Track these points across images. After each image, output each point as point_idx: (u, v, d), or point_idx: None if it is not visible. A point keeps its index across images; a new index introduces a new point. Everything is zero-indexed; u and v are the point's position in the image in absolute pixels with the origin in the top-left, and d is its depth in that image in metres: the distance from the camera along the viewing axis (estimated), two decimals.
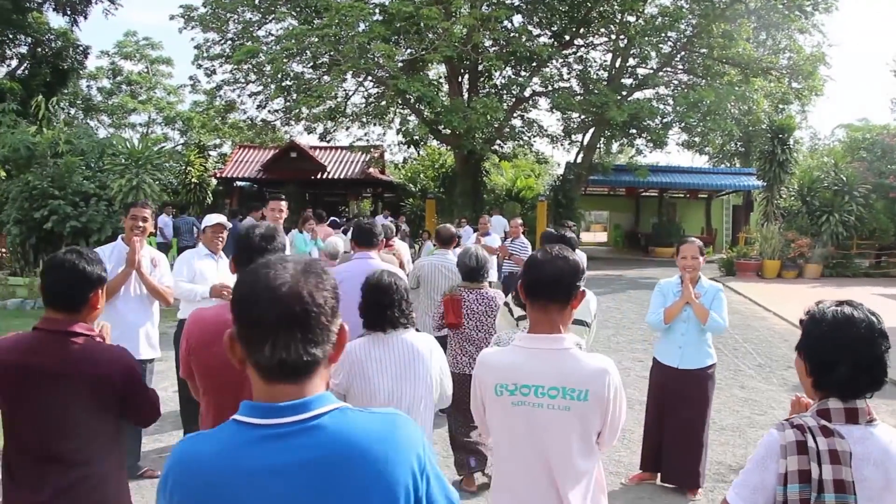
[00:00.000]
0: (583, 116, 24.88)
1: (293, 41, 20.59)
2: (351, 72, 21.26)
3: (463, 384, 4.57)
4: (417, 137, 25.99)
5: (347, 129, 28.27)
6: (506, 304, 5.11)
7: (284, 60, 20.91)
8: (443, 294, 5.91)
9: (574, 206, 26.14)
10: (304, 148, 29.99)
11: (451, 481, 2.98)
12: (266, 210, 7.16)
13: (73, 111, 35.14)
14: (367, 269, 4.64)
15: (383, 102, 23.64)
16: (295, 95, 22.61)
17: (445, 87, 25.92)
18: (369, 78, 23.25)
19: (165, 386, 7.47)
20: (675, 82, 26.25)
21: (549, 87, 25.22)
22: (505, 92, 25.04)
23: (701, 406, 5.61)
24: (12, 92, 21.94)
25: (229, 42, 24.87)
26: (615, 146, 29.38)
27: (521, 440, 2.65)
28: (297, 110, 22.62)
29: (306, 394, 1.51)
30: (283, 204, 7.28)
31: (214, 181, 32.39)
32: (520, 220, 12.16)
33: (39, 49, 28.40)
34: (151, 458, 6.16)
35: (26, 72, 28.14)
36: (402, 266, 8.21)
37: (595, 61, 26.95)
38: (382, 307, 3.66)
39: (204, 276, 5.97)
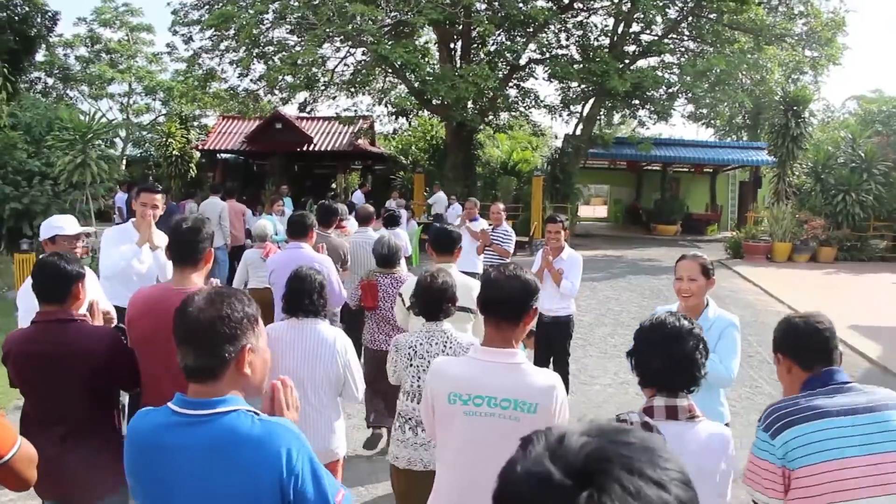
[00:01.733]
0: (582, 86, 23.29)
1: (265, 4, 19.01)
2: (328, 37, 19.65)
3: (380, 361, 4.93)
4: (406, 107, 24.44)
5: (334, 98, 26.81)
6: (399, 294, 5.39)
7: (258, 25, 19.33)
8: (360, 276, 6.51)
9: (571, 181, 24.66)
10: (290, 119, 28.46)
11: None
12: (136, 203, 5.83)
13: (50, 81, 33.64)
14: (298, 258, 5.50)
15: (364, 70, 22.02)
16: (271, 63, 21.07)
17: (436, 55, 24.34)
18: (350, 43, 21.65)
19: None
20: (682, 50, 24.59)
21: (547, 55, 23.59)
22: (499, 59, 23.33)
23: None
24: None
25: (206, 7, 23.36)
26: (617, 118, 27.60)
27: (468, 448, 2.78)
28: (273, 79, 21.00)
29: (216, 395, 2.03)
30: (159, 197, 5.83)
31: (197, 154, 31.03)
32: (501, 206, 10.58)
33: (3, 14, 26.67)
34: None
35: None
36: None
37: (596, 27, 25.11)
38: (299, 297, 4.13)
39: None
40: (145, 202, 5.74)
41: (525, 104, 25.23)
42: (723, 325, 4.00)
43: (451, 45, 23.92)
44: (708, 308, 4.07)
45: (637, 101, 23.68)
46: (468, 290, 4.69)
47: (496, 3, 21.53)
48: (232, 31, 21.06)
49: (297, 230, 6.34)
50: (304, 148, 28.51)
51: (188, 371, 2.05)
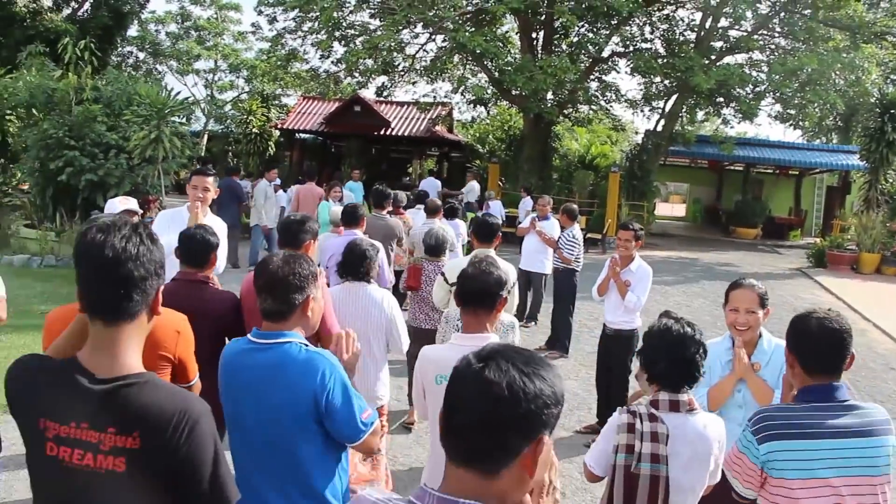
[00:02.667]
0: (665, 81, 22.60)
1: None
2: (407, 22, 19.47)
3: (419, 337, 5.95)
4: (482, 97, 24.14)
5: (413, 84, 26.77)
6: (442, 273, 5.93)
7: (339, 8, 19.29)
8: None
9: (649, 178, 24.01)
10: (369, 102, 28.49)
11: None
12: (188, 186, 5.75)
13: (141, 55, 34.45)
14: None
15: (443, 57, 21.78)
16: (352, 46, 21.04)
17: (518, 44, 23.95)
18: (429, 29, 21.43)
19: None
20: (772, 47, 23.59)
21: (630, 48, 22.95)
22: (581, 51, 22.75)
23: None
24: (66, 33, 20.90)
25: None
26: (700, 115, 26.64)
27: None
28: (351, 61, 20.94)
29: (282, 330, 2.74)
30: (210, 180, 5.73)
31: (277, 132, 31.38)
32: (548, 198, 10.34)
33: None
34: None
35: (87, 14, 27.25)
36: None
37: (682, 21, 24.37)
38: (354, 264, 4.77)
39: None
40: (196, 185, 5.71)
41: (606, 98, 24.65)
42: (782, 356, 3.43)
43: (533, 35, 23.48)
44: (762, 339, 3.74)
45: (721, 99, 22.87)
46: (506, 275, 5.29)
47: None
48: (314, 14, 21.08)
49: (350, 219, 6.85)
50: (382, 132, 28.53)
51: (265, 313, 2.77)
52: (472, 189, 20.98)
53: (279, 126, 30.59)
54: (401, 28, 20.01)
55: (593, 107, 25.06)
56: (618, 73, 24.43)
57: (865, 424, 2.66)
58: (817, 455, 2.62)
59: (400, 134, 28.67)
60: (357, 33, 21.78)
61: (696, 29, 23.54)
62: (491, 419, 1.42)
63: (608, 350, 6.94)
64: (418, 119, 28.98)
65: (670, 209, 43.43)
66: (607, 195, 22.96)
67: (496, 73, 20.65)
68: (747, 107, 21.58)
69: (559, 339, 9.65)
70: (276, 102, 33.53)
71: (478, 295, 3.30)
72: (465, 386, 1.46)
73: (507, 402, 1.40)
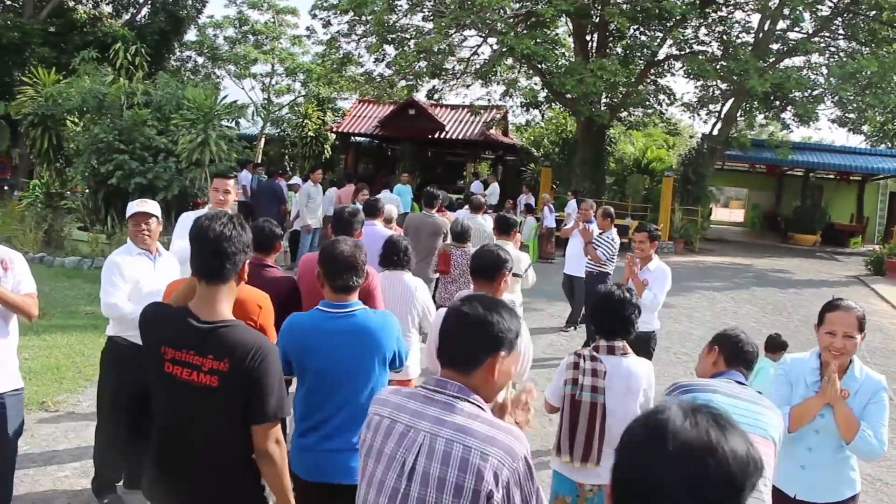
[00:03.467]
0: (721, 85, 22.22)
1: None
2: (457, 25, 19.54)
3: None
4: (531, 100, 24.08)
5: (468, 87, 26.79)
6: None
7: (389, 12, 19.46)
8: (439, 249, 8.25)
9: (704, 183, 23.66)
10: (424, 105, 28.67)
11: None
12: (210, 188, 5.98)
13: (200, 60, 35.10)
14: (371, 233, 6.67)
15: (492, 61, 21.77)
16: (401, 49, 21.20)
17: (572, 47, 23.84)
18: (479, 33, 21.45)
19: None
20: (832, 49, 23.04)
21: (685, 51, 22.62)
22: (635, 54, 22.51)
23: None
24: (123, 39, 21.53)
25: None
26: (759, 119, 26.03)
27: None
28: (400, 65, 21.11)
29: (349, 300, 3.50)
30: (231, 183, 5.91)
31: (333, 135, 31.75)
32: (591, 202, 10.27)
33: None
34: None
35: (144, 19, 28.00)
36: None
37: (739, 23, 23.92)
38: (392, 255, 5.48)
39: (138, 283, 4.78)
40: (217, 187, 5.89)
41: (660, 101, 24.35)
42: (873, 388, 3.51)
43: (587, 38, 23.33)
44: (853, 365, 3.56)
45: (778, 103, 22.35)
46: (518, 261, 7.02)
47: None
48: (366, 17, 21.31)
49: (370, 210, 7.49)
50: (436, 135, 28.67)
51: (336, 288, 3.47)
52: (493, 191, 21.34)
53: (334, 129, 30.99)
54: (451, 31, 20.06)
55: (648, 110, 24.71)
56: (672, 76, 23.80)
57: (756, 399, 3.10)
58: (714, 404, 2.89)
59: (454, 137, 28.79)
60: (408, 37, 21.89)
61: (753, 31, 23.08)
62: (465, 338, 2.23)
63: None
64: (473, 122, 29.04)
65: (728, 215, 42.67)
66: (661, 199, 22.71)
67: (547, 76, 20.54)
68: (804, 111, 21.07)
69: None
70: (332, 106, 33.91)
71: (485, 271, 4.13)
72: (450, 316, 2.28)
73: (474, 326, 2.20)
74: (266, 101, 33.92)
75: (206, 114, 13.63)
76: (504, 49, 19.17)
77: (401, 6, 21.52)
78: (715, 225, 32.96)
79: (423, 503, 2.11)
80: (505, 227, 7.53)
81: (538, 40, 18.60)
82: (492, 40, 21.78)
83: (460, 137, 28.73)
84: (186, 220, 5.80)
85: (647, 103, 23.96)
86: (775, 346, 6.41)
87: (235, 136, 15.60)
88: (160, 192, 13.28)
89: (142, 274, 4.81)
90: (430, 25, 22.05)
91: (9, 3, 27.84)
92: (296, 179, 18.34)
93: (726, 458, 1.30)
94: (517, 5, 21.06)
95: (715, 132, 24.15)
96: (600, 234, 9.57)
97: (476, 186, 22.16)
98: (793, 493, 3.61)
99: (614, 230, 9.63)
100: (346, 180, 16.51)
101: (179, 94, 14.50)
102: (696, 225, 22.94)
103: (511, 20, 20.16)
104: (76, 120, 14.88)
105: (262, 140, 33.26)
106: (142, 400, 4.31)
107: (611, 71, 18.07)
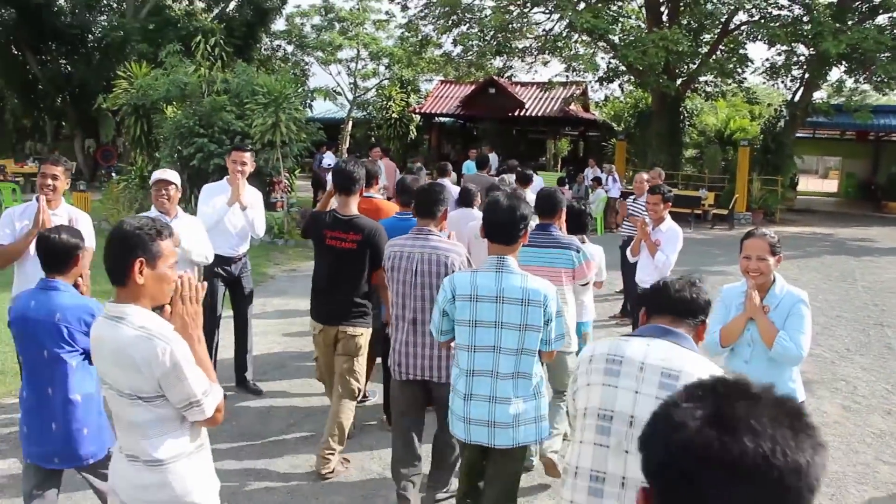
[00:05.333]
0: (801, 49, 21.52)
1: None
2: (515, 2, 19.73)
3: None
4: (608, 73, 24.01)
5: (546, 64, 26.89)
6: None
7: None
8: None
9: (784, 152, 23.09)
10: (503, 83, 29.04)
11: None
12: (227, 161, 6.50)
13: (290, 48, 36.42)
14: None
15: (559, 34, 21.81)
16: (467, 29, 21.56)
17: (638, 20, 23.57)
18: (541, 8, 21.56)
19: None
20: None
21: (759, 17, 21.93)
22: (706, 22, 22.03)
23: None
24: (211, 32, 22.74)
25: None
26: (849, 83, 24.83)
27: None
28: (465, 45, 21.47)
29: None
30: (247, 155, 6.47)
31: (416, 117, 32.48)
32: (645, 176, 10.25)
33: None
34: None
35: (233, 12, 29.31)
36: None
37: None
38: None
39: None
40: (235, 160, 6.37)
41: (735, 69, 23.65)
42: (791, 302, 3.98)
43: (660, 10, 23.04)
44: (775, 284, 4.05)
45: (855, 65, 21.44)
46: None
47: None
48: None
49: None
50: (517, 112, 28.99)
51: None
52: (493, 163, 20.79)
53: (418, 111, 31.69)
54: (511, 8, 20.25)
55: (725, 80, 24.04)
56: (750, 43, 22.80)
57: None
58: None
59: (535, 114, 29.04)
60: (473, 16, 22.17)
61: None
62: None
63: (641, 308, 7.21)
64: (553, 99, 29.22)
65: (820, 185, 41.26)
66: (736, 169, 22.40)
67: (613, 50, 20.51)
68: (885, 72, 20.20)
69: (634, 308, 9.75)
70: (415, 88, 34.63)
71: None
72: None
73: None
74: (352, 86, 34.96)
75: (276, 98, 14.49)
76: (569, 23, 19.24)
77: None
78: (805, 195, 32.07)
79: (423, 283, 4.42)
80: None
81: (597, 14, 18.55)
82: (556, 16, 21.88)
83: (540, 114, 29.00)
84: (208, 190, 6.57)
85: (725, 72, 23.11)
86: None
87: (306, 118, 16.47)
88: None
89: None
90: (491, 3, 22.30)
91: (115, 5, 29.82)
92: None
93: None
94: None
95: (797, 99, 23.47)
96: (636, 198, 9.77)
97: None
98: None
99: (646, 196, 9.76)
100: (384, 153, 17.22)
101: (253, 81, 15.41)
102: (777, 195, 22.50)
103: None
104: (161, 108, 15.98)
105: (350, 123, 34.28)
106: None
107: (672, 40, 17.85)
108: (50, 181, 5.12)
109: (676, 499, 1.13)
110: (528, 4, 21.15)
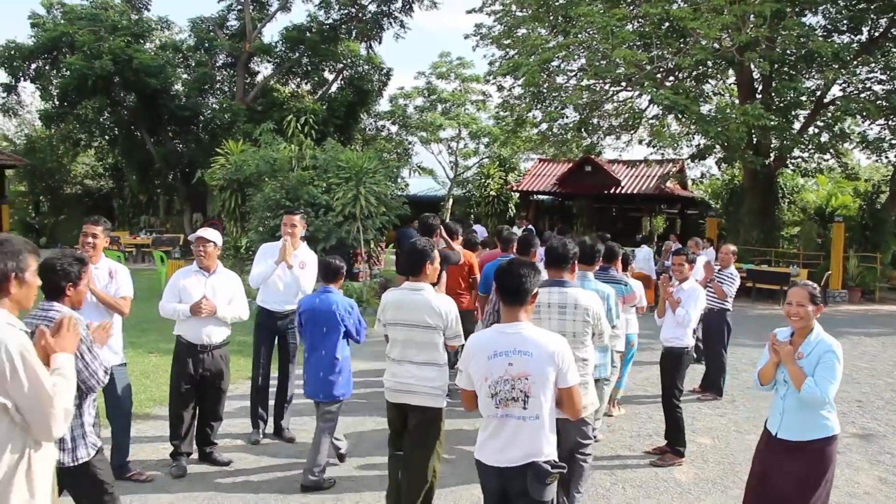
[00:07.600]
0: (891, 123, 20.91)
1: (550, 51, 20.01)
2: (593, 79, 20.09)
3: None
4: (699, 150, 23.84)
5: (641, 142, 26.99)
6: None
7: (538, 74, 20.35)
8: None
9: (884, 228, 22.19)
10: (599, 162, 29.40)
11: None
12: (281, 223, 7.23)
13: (394, 129, 37.91)
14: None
15: (631, 114, 21.98)
16: (551, 108, 22.03)
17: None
18: (621, 87, 21.82)
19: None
20: None
21: (854, 91, 21.41)
22: (802, 98, 21.60)
23: (804, 486, 4.48)
24: (314, 112, 24.15)
25: (514, 56, 24.96)
26: None
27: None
28: (549, 123, 21.93)
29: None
30: (297, 218, 7.14)
31: (516, 194, 33.06)
32: (732, 248, 10.42)
33: (346, 73, 31.17)
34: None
35: (335, 94, 31.01)
36: None
37: None
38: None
39: (189, 292, 6.26)
40: (285, 222, 7.10)
41: (834, 144, 22.94)
42: (822, 350, 4.43)
43: (756, 84, 22.81)
44: (811, 333, 4.52)
45: None
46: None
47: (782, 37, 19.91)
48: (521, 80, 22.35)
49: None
50: (612, 190, 29.16)
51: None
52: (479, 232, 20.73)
53: (515, 188, 32.28)
54: (593, 86, 20.59)
55: (822, 155, 23.36)
56: (845, 119, 22.05)
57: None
58: None
59: (630, 192, 29.11)
60: (556, 96, 22.65)
61: None
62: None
63: (662, 367, 7.36)
64: (649, 176, 29.25)
65: None
66: (831, 246, 21.65)
67: (691, 126, 20.50)
68: None
69: (713, 380, 9.67)
70: (513, 166, 35.31)
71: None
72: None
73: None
74: (453, 164, 36.04)
75: (357, 172, 15.24)
76: (648, 101, 19.45)
77: (554, 65, 22.30)
78: None
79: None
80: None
81: (677, 91, 18.64)
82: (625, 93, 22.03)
83: (636, 192, 29.02)
84: (263, 250, 7.29)
85: (821, 147, 22.45)
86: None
87: (390, 193, 17.16)
88: (320, 243, 14.88)
89: (192, 286, 6.25)
90: (574, 82, 22.72)
91: (226, 89, 32.09)
92: None
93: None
94: (645, 59, 20.75)
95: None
96: (720, 269, 10.21)
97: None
98: (774, 431, 4.62)
99: (733, 267, 10.04)
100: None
101: (338, 156, 16.26)
102: (875, 273, 21.56)
103: (660, 72, 20.28)
104: (254, 181, 16.95)
105: (451, 200, 35.19)
106: (196, 385, 6.27)
107: (753, 115, 17.68)
108: (90, 239, 5.78)
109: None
110: (610, 82, 21.43)
